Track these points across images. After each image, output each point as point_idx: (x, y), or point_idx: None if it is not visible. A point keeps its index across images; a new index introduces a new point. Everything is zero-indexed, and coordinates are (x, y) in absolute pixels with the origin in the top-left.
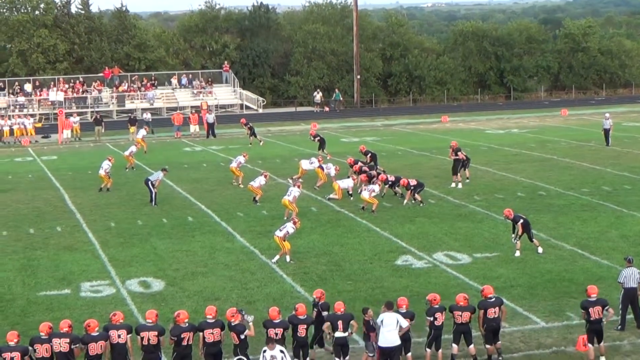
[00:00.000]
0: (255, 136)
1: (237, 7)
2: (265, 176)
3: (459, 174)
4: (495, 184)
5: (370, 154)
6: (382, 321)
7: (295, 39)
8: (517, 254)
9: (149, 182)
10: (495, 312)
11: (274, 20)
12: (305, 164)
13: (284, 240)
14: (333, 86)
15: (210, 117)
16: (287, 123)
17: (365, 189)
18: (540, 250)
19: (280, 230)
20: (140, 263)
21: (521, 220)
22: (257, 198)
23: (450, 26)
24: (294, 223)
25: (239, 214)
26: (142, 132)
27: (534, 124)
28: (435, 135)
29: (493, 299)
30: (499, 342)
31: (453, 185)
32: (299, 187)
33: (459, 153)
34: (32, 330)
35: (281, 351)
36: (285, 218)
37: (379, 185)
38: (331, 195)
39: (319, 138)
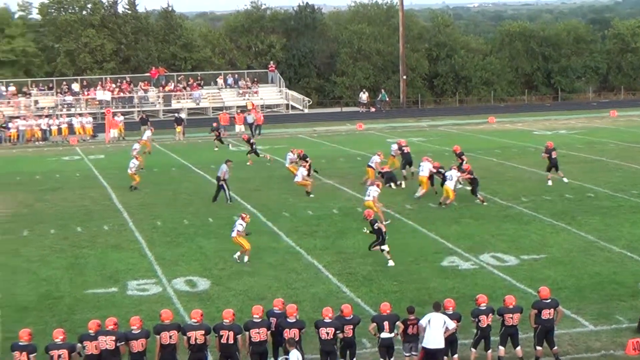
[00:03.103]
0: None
1: (282, 7)
2: (304, 165)
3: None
4: (542, 185)
5: (463, 155)
6: (429, 322)
7: (341, 39)
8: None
9: (219, 179)
10: (550, 313)
11: (320, 20)
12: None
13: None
14: (379, 86)
15: (250, 118)
16: (332, 123)
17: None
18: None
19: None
20: (186, 262)
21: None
22: (309, 190)
23: (497, 26)
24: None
25: (285, 214)
26: (148, 133)
27: (582, 125)
28: (482, 137)
29: (549, 300)
30: (555, 347)
31: (550, 183)
32: (378, 186)
33: (553, 152)
34: (80, 327)
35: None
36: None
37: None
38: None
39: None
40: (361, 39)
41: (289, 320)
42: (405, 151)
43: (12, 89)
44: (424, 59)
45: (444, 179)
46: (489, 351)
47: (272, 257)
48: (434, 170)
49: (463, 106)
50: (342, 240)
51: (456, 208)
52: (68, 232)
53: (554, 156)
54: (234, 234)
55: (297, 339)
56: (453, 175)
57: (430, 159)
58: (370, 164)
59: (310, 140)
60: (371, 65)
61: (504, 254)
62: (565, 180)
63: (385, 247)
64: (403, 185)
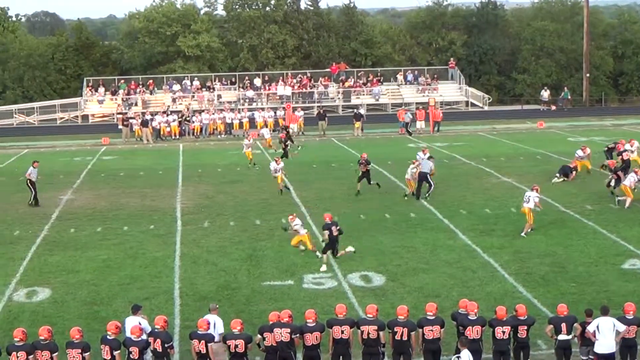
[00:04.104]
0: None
1: (464, 3)
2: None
3: None
4: None
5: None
6: (597, 327)
7: (523, 36)
8: None
9: (427, 176)
10: None
11: (502, 17)
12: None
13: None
14: (561, 84)
15: (407, 116)
16: (512, 121)
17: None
18: None
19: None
20: (362, 257)
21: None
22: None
23: None
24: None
25: (462, 212)
26: (266, 131)
27: None
28: None
29: None
30: None
31: None
32: (536, 190)
33: None
34: (255, 318)
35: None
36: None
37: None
38: (620, 197)
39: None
40: (544, 35)
41: (469, 317)
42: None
43: (196, 83)
44: (609, 56)
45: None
46: None
47: (448, 254)
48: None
49: None
50: (519, 240)
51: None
52: (247, 225)
53: None
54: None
55: (476, 338)
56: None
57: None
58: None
59: (489, 138)
60: (554, 63)
61: None
62: None
63: None
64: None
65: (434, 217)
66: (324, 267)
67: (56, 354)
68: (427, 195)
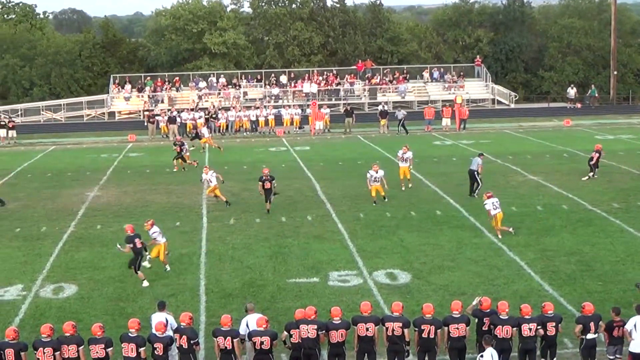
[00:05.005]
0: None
1: (491, 1)
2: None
3: None
4: None
5: None
6: (635, 325)
7: (550, 33)
8: None
9: (474, 172)
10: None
11: (529, 14)
12: None
13: None
14: (588, 82)
15: (401, 113)
16: (539, 119)
17: None
18: None
19: None
20: (387, 255)
21: None
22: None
23: None
24: None
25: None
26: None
27: None
28: None
29: None
30: None
31: None
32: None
33: None
34: (281, 315)
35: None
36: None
37: None
38: None
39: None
40: (571, 33)
41: (501, 316)
42: None
43: (222, 80)
44: (637, 54)
45: None
46: None
47: (474, 252)
48: None
49: None
50: (545, 238)
51: None
52: (272, 222)
53: None
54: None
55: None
56: None
57: None
58: None
59: (515, 136)
60: (581, 60)
61: None
62: None
63: None
64: None
65: (460, 214)
66: (145, 283)
67: (82, 347)
68: (475, 194)
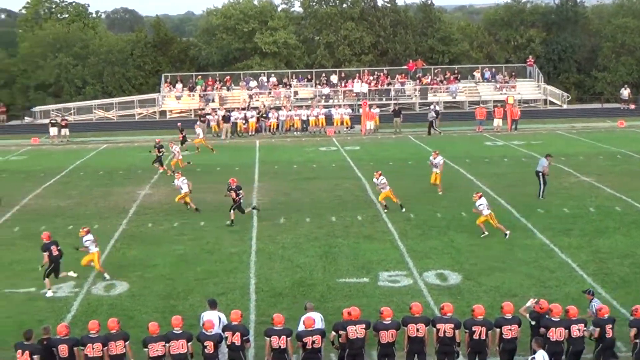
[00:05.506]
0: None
1: (543, 0)
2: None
3: None
4: None
5: None
6: None
7: (604, 33)
8: None
9: (539, 174)
10: None
11: (582, 14)
12: None
13: None
14: None
15: (431, 115)
16: (592, 120)
17: None
18: None
19: None
20: (437, 255)
21: None
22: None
23: None
24: None
25: (539, 211)
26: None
27: None
28: None
29: None
30: None
31: None
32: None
33: None
34: (330, 315)
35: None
36: None
37: None
38: None
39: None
40: (625, 33)
41: (553, 319)
42: None
43: (273, 80)
44: None
45: None
46: None
47: (525, 253)
48: None
49: None
50: (598, 240)
51: None
52: (322, 221)
53: None
54: None
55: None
56: None
57: None
58: None
59: (568, 137)
60: (635, 61)
61: None
62: None
63: None
64: None
65: (511, 215)
66: (49, 293)
67: (128, 342)
68: (541, 195)
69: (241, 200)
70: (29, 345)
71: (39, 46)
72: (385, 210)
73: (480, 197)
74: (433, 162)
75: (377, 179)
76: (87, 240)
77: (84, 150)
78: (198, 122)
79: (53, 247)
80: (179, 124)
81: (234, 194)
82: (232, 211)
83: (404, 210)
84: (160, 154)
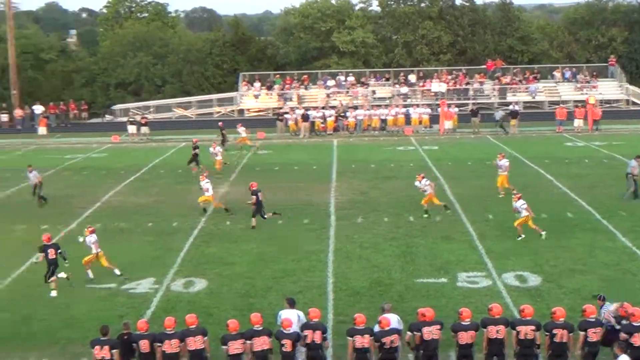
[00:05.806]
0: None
1: None
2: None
3: None
4: None
5: None
6: None
7: None
8: None
9: (629, 175)
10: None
11: None
12: None
13: None
14: None
15: (499, 114)
16: None
17: None
18: None
19: None
20: (516, 257)
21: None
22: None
23: None
24: None
25: (622, 213)
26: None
27: None
28: None
29: None
30: None
31: None
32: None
33: None
34: (408, 315)
35: None
36: None
37: None
38: None
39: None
40: None
41: (634, 324)
42: None
43: (351, 79)
44: None
45: None
46: None
47: (607, 256)
48: None
49: None
50: None
51: None
52: (400, 221)
53: None
54: None
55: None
56: None
57: None
58: None
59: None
60: None
61: None
62: None
63: None
64: None
65: (592, 217)
66: (54, 293)
67: (206, 337)
68: (625, 196)
69: (262, 205)
70: (108, 341)
71: (120, 45)
72: (448, 211)
73: (519, 198)
74: (498, 164)
75: (420, 182)
76: (90, 241)
77: (163, 148)
78: (239, 125)
79: (51, 250)
80: (220, 123)
81: (255, 199)
82: (254, 218)
83: (448, 211)
84: (196, 153)
